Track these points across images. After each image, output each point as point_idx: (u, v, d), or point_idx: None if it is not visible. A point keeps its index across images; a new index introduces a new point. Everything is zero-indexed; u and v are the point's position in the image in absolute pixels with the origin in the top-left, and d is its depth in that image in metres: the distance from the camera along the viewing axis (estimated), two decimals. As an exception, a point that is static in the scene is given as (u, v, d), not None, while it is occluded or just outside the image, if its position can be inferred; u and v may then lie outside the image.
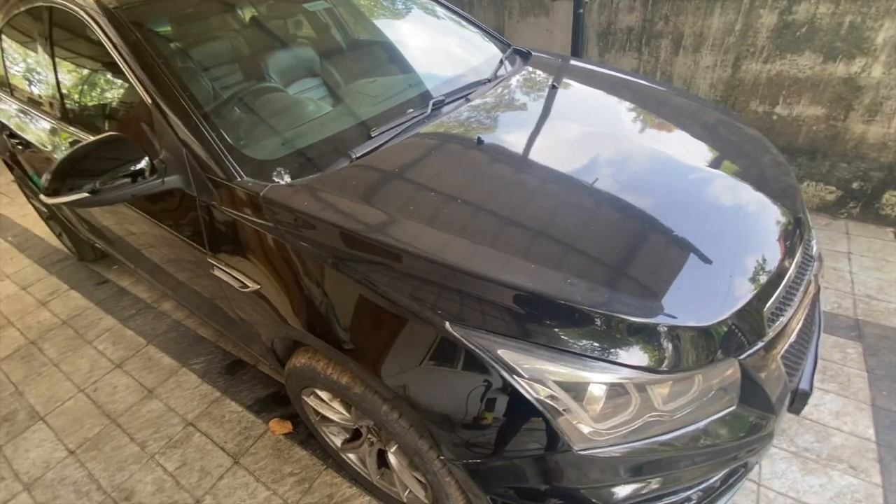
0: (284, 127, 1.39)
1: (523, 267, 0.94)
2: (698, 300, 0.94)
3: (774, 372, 1.00)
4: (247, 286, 1.19)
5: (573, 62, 1.94)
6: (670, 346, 0.88)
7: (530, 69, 1.80)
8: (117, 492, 1.62)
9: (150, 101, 1.28)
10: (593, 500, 0.93)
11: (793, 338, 1.07)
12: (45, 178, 1.18)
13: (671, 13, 2.34)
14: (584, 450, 0.87)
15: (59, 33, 1.71)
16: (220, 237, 1.24)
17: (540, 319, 0.88)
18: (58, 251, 3.12)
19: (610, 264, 0.97)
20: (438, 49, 1.89)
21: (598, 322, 0.88)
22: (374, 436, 1.34)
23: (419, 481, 1.28)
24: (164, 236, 1.49)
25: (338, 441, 1.49)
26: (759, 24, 2.19)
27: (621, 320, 0.88)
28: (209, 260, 1.28)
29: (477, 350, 0.86)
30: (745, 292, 0.98)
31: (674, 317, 0.89)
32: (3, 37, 2.17)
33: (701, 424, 0.94)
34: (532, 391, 0.85)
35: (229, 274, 1.23)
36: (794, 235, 1.15)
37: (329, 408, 1.33)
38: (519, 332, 0.87)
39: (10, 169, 2.69)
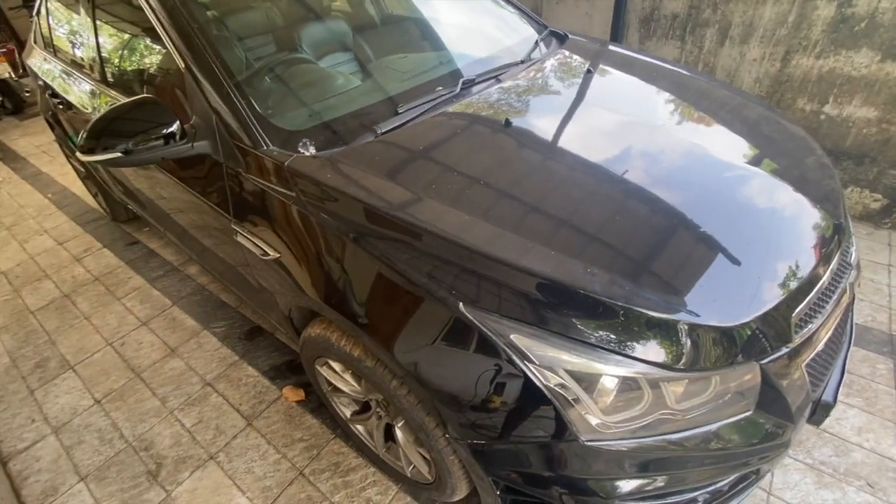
0: (312, 99, 1.39)
1: (544, 254, 0.92)
2: (723, 300, 0.91)
3: (797, 380, 0.97)
4: (267, 254, 1.21)
5: (611, 47, 1.87)
6: (689, 344, 0.86)
7: (566, 52, 1.75)
8: (138, 441, 1.70)
9: (183, 66, 1.30)
10: (596, 491, 0.93)
11: (820, 347, 1.02)
12: (80, 137, 1.22)
13: (721, 1, 2.23)
14: (591, 441, 0.87)
15: (102, -5, 1.74)
16: (245, 204, 1.26)
17: (556, 307, 0.87)
18: (93, 210, 3.24)
19: (634, 257, 0.95)
20: (473, 27, 1.85)
21: (616, 314, 0.86)
22: (382, 409, 1.36)
23: (424, 457, 1.29)
24: (191, 201, 1.53)
25: (347, 412, 1.52)
26: (814, 16, 2.06)
27: (640, 314, 0.85)
28: (233, 226, 1.30)
29: (489, 333, 0.86)
30: (773, 296, 0.94)
31: (696, 314, 0.86)
32: (49, -2, 2.23)
33: (714, 427, 0.92)
34: (542, 378, 0.84)
35: (251, 241, 1.25)
36: (831, 242, 1.09)
37: (341, 379, 1.35)
38: (534, 319, 0.86)
39: (52, 128, 2.79)
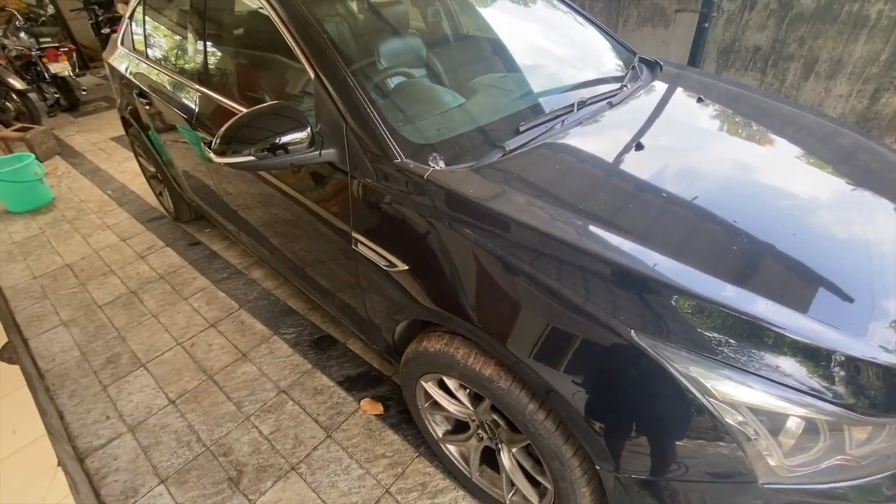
0: (436, 113, 1.40)
1: (713, 281, 0.90)
2: (906, 343, 0.87)
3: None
4: (395, 265, 1.20)
5: (711, 78, 1.87)
6: (882, 387, 0.82)
7: (669, 78, 1.75)
8: (216, 446, 1.68)
9: (313, 74, 1.31)
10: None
11: None
12: (214, 141, 1.23)
13: (808, 36, 2.22)
14: (769, 484, 0.83)
15: (215, 1, 1.79)
16: (369, 215, 1.25)
17: (732, 337, 0.84)
18: (153, 209, 3.29)
19: (817, 294, 0.93)
20: (573, 51, 1.86)
21: (797, 348, 0.83)
22: (485, 432, 1.32)
23: (534, 485, 1.25)
24: (292, 205, 1.53)
25: (440, 431, 1.48)
26: (909, 55, 2.04)
27: (828, 350, 0.82)
28: (354, 235, 1.29)
29: (666, 363, 0.83)
30: None
31: (889, 353, 0.83)
32: (148, 6, 2.30)
33: (882, 476, 0.88)
34: (723, 415, 0.81)
35: (375, 252, 1.24)
36: None
37: (449, 397, 1.32)
38: (709, 349, 0.83)
39: (127, 125, 2.85)
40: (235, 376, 1.95)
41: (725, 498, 0.87)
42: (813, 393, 0.80)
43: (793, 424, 0.81)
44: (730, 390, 0.81)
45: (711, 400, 0.81)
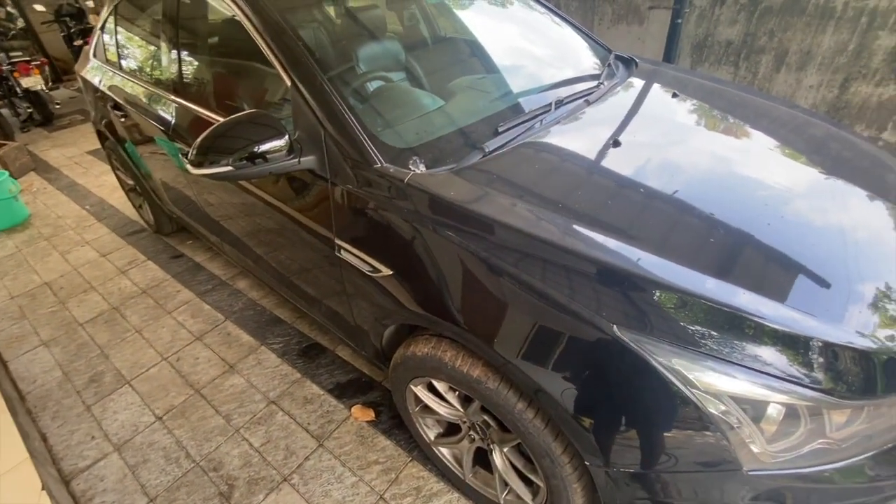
0: (415, 117, 1.40)
1: (694, 274, 0.91)
2: (883, 324, 0.90)
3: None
4: (379, 271, 1.19)
5: (682, 73, 1.90)
6: (859, 372, 0.84)
7: (644, 74, 1.77)
8: (206, 461, 1.65)
9: (289, 82, 1.30)
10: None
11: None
12: (191, 152, 1.22)
13: (778, 28, 2.27)
14: (753, 471, 0.84)
15: (188, 10, 1.76)
16: (352, 221, 1.25)
17: (714, 329, 0.85)
18: (133, 222, 3.23)
19: (796, 283, 0.95)
20: (550, 50, 1.88)
21: (777, 336, 0.84)
22: (477, 433, 1.32)
23: (527, 484, 1.26)
24: (274, 214, 1.52)
25: (431, 434, 1.48)
26: (875, 45, 2.10)
27: (806, 338, 0.84)
28: (337, 242, 1.29)
29: (648, 357, 0.84)
30: None
31: (865, 337, 0.85)
32: (120, 16, 2.27)
33: (864, 457, 0.90)
34: (706, 405, 0.82)
35: (359, 258, 1.24)
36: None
37: (439, 400, 1.32)
38: (690, 341, 0.84)
39: (103, 138, 2.80)
40: (223, 389, 1.92)
41: (713, 486, 0.88)
42: (792, 379, 0.82)
43: (774, 411, 0.83)
44: (712, 380, 0.82)
45: (694, 391, 0.82)
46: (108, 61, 2.43)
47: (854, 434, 0.87)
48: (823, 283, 0.97)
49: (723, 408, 0.82)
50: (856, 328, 0.89)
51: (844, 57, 2.18)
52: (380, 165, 1.18)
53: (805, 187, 1.24)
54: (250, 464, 1.63)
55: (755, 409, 0.83)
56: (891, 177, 1.34)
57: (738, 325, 0.86)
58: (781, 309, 0.88)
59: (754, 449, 0.84)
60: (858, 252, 1.06)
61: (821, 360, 0.85)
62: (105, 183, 3.82)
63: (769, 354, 0.84)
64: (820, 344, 0.85)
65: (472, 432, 1.34)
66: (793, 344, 0.85)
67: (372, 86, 1.47)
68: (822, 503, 0.90)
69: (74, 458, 1.71)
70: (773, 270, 0.98)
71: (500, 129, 1.33)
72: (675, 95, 1.62)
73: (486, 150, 1.25)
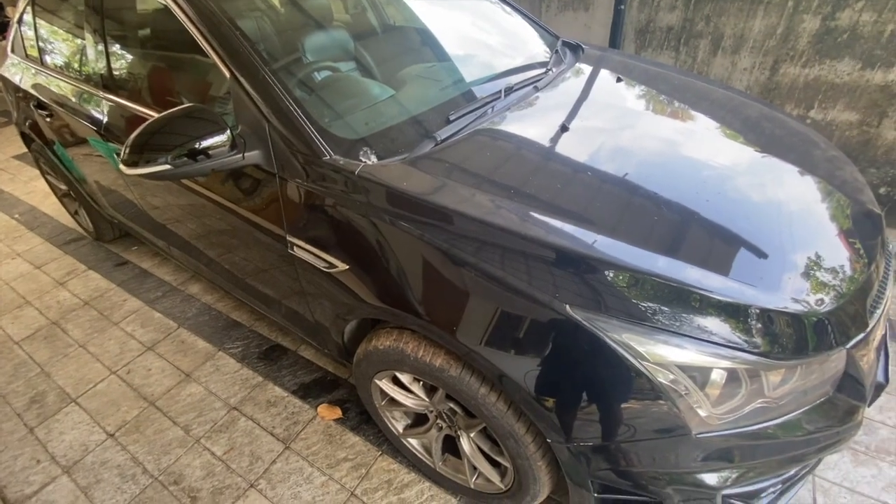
0: (365, 107, 1.37)
1: (645, 253, 0.94)
2: (813, 290, 0.96)
3: (870, 363, 1.03)
4: (335, 266, 1.17)
5: (627, 58, 1.96)
6: (792, 333, 0.90)
7: (591, 60, 1.81)
8: (164, 475, 1.58)
9: (228, 74, 1.24)
10: (699, 483, 0.95)
11: (880, 329, 1.10)
12: (123, 150, 1.14)
13: (713, 14, 2.37)
14: (702, 434, 0.89)
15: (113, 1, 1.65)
16: (304, 216, 1.21)
17: (662, 304, 0.89)
18: (69, 230, 3.02)
19: (733, 254, 1.00)
20: (499, 38, 1.88)
21: (720, 307, 0.89)
22: (444, 421, 1.33)
23: (495, 466, 1.28)
24: (223, 214, 1.45)
25: (399, 426, 1.48)
26: (801, 28, 2.23)
27: (746, 306, 0.89)
28: (289, 239, 1.25)
29: (601, 334, 0.87)
30: (854, 283, 1.01)
31: (801, 304, 0.91)
32: (39, 7, 2.09)
33: (800, 412, 0.97)
34: (656, 375, 0.86)
35: (313, 254, 1.21)
36: (880, 228, 1.18)
37: (404, 392, 1.32)
38: (641, 316, 0.88)
39: (28, 141, 2.59)
40: (180, 399, 1.84)
41: (668, 451, 0.92)
42: (734, 345, 0.87)
43: (717, 376, 0.88)
44: (662, 352, 0.86)
45: (644, 363, 0.86)
46: (28, 57, 2.24)
47: (790, 391, 0.94)
48: (761, 254, 1.03)
49: (671, 377, 0.86)
50: (791, 294, 0.95)
51: (774, 40, 2.30)
52: (329, 158, 1.15)
53: (743, 165, 1.31)
54: (213, 473, 1.57)
55: (701, 376, 0.87)
56: (817, 152, 1.43)
57: (686, 299, 0.89)
58: (726, 281, 0.93)
59: (701, 413, 0.88)
60: (791, 223, 1.13)
61: (759, 325, 0.90)
62: (35, 189, 3.54)
63: (713, 324, 0.88)
64: (758, 311, 0.90)
65: (439, 421, 1.35)
66: (735, 313, 0.90)
67: (319, 76, 1.42)
68: (767, 456, 0.97)
69: (20, 485, 1.60)
70: (717, 245, 1.02)
71: (452, 118, 1.32)
72: (619, 80, 1.66)
73: (438, 139, 1.24)
